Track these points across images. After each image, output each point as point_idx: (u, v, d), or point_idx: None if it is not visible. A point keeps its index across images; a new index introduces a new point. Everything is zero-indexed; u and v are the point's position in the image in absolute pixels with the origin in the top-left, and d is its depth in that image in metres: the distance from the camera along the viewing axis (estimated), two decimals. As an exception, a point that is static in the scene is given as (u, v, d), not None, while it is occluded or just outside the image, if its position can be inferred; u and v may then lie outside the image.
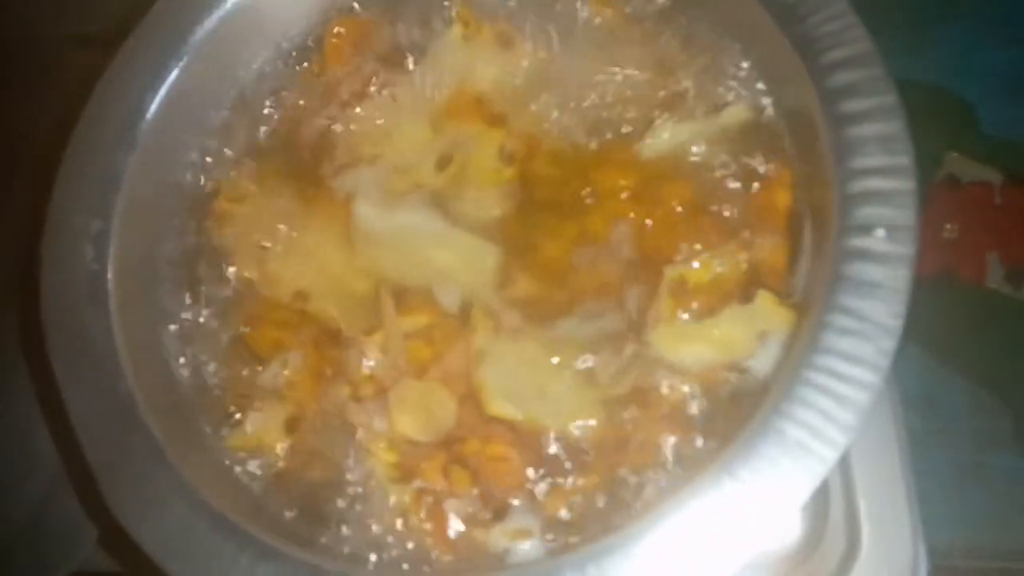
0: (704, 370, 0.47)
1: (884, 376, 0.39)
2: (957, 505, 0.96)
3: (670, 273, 0.48)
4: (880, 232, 0.41)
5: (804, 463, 0.39)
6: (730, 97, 0.52)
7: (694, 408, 0.47)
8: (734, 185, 0.51)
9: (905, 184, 0.42)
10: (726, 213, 0.50)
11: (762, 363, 0.46)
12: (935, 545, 0.55)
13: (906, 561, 0.54)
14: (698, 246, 0.49)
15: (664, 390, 0.47)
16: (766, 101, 0.52)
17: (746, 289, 0.48)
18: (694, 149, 0.52)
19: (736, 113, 0.52)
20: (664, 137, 0.52)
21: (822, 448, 0.39)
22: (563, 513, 0.46)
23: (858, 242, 0.42)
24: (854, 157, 0.43)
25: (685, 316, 0.48)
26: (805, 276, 0.47)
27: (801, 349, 0.41)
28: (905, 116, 0.44)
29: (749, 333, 0.47)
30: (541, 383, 0.48)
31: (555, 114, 0.54)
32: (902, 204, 0.42)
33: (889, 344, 0.40)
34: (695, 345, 0.48)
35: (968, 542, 0.96)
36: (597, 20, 0.56)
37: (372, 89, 0.55)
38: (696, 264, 0.48)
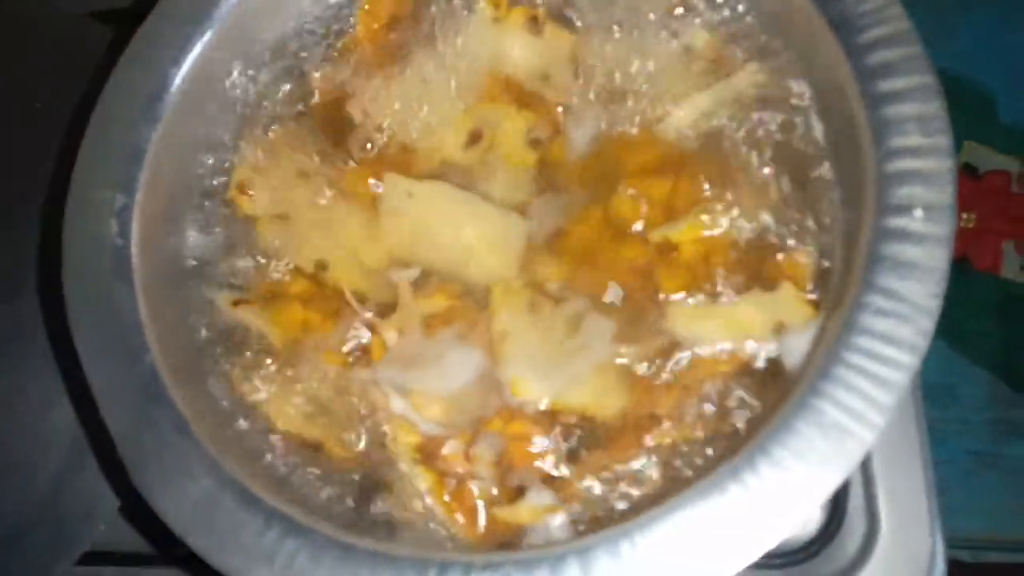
0: (724, 352, 0.47)
1: (922, 357, 0.39)
2: (975, 495, 0.96)
3: (654, 237, 0.48)
4: (918, 212, 0.41)
5: (842, 444, 0.38)
6: (765, 81, 0.51)
7: (725, 387, 0.47)
8: (761, 158, 0.50)
9: (943, 164, 0.42)
10: (741, 180, 0.49)
11: (791, 354, 0.46)
12: (952, 534, 0.55)
13: (924, 550, 0.54)
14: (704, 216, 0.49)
15: (692, 369, 0.47)
16: (799, 85, 0.51)
17: (760, 271, 0.48)
18: (716, 122, 0.51)
19: (750, 76, 0.51)
20: (684, 112, 0.51)
21: (860, 429, 0.38)
22: (591, 490, 0.46)
23: (896, 222, 0.41)
24: (892, 136, 0.43)
25: (701, 297, 0.48)
26: (839, 260, 0.46)
27: (838, 330, 0.41)
28: (943, 96, 0.43)
29: (766, 321, 0.46)
30: (565, 362, 0.48)
31: (582, 96, 0.53)
32: (940, 183, 0.41)
33: (927, 324, 0.39)
34: (708, 323, 0.47)
35: (985, 532, 0.97)
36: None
37: (401, 65, 0.55)
38: (681, 225, 0.48)
